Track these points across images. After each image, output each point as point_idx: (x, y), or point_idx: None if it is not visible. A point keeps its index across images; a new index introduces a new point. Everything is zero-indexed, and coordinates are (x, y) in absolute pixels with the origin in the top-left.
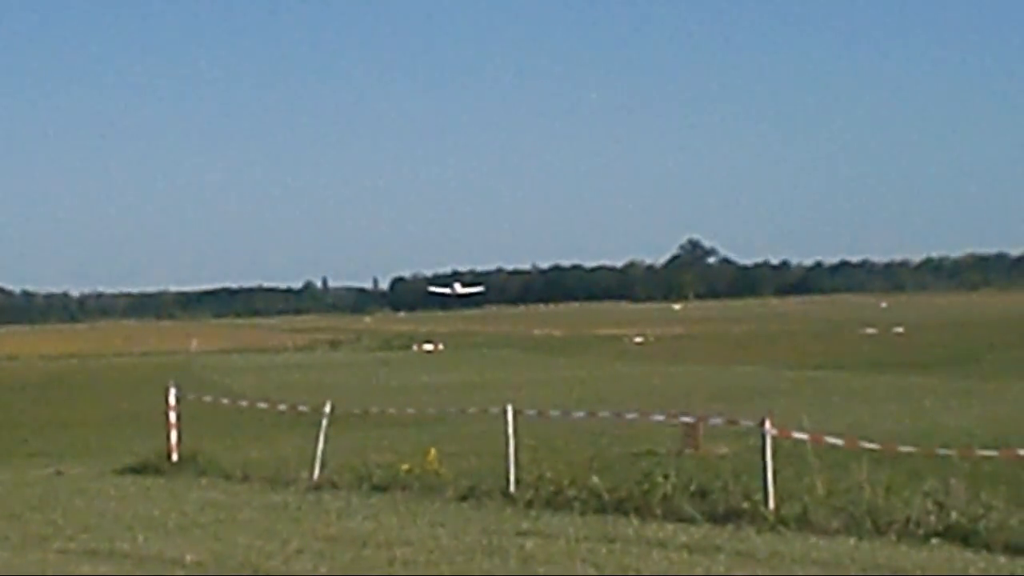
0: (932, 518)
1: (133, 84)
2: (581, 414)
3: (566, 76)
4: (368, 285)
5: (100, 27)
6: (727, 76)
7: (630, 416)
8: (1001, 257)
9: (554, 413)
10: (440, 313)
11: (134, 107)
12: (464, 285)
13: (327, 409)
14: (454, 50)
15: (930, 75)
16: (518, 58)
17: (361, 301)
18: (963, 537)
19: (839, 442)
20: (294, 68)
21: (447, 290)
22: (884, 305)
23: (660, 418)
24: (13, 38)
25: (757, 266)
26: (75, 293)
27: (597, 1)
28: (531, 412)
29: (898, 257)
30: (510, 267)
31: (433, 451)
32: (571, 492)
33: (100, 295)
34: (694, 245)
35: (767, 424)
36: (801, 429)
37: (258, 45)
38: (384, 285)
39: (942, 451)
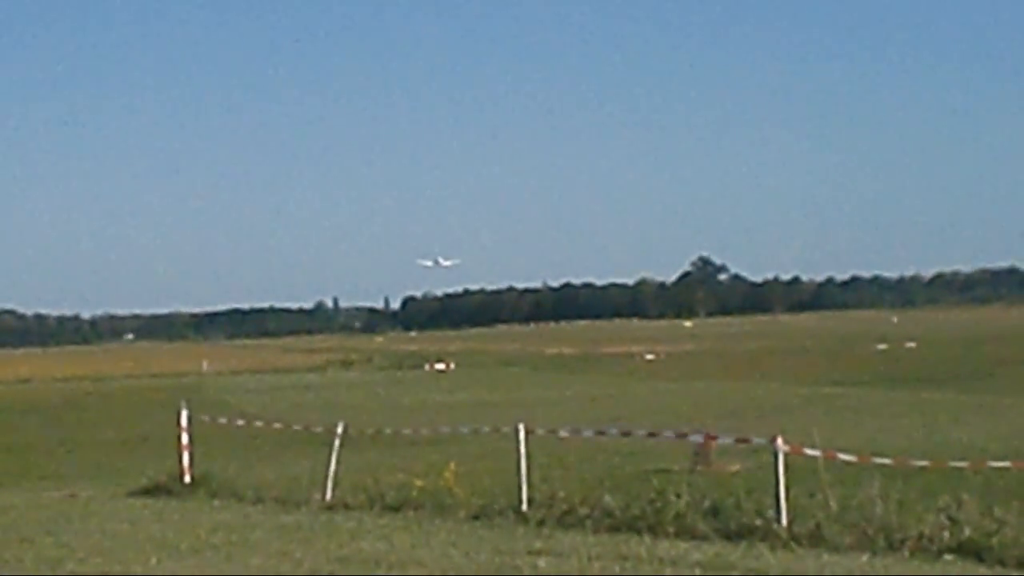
0: (945, 534)
1: (144, 108)
2: (590, 432)
3: (577, 94)
4: (379, 305)
5: (113, 50)
6: (738, 93)
7: (641, 434)
8: (1013, 272)
9: (564, 433)
10: (451, 332)
11: (146, 131)
12: (446, 259)
13: (339, 429)
14: (465, 69)
15: (941, 90)
16: (529, 77)
17: (372, 321)
18: (976, 553)
19: (851, 458)
20: (305, 91)
21: (430, 263)
22: (896, 320)
23: (671, 436)
24: (28, 66)
25: (768, 282)
26: (87, 315)
27: (607, 20)
28: (542, 431)
29: (909, 272)
30: (521, 285)
31: (452, 466)
32: (583, 510)
33: (112, 317)
34: (705, 262)
35: (779, 441)
36: (813, 445)
37: (271, 67)
38: (395, 305)
39: (954, 464)
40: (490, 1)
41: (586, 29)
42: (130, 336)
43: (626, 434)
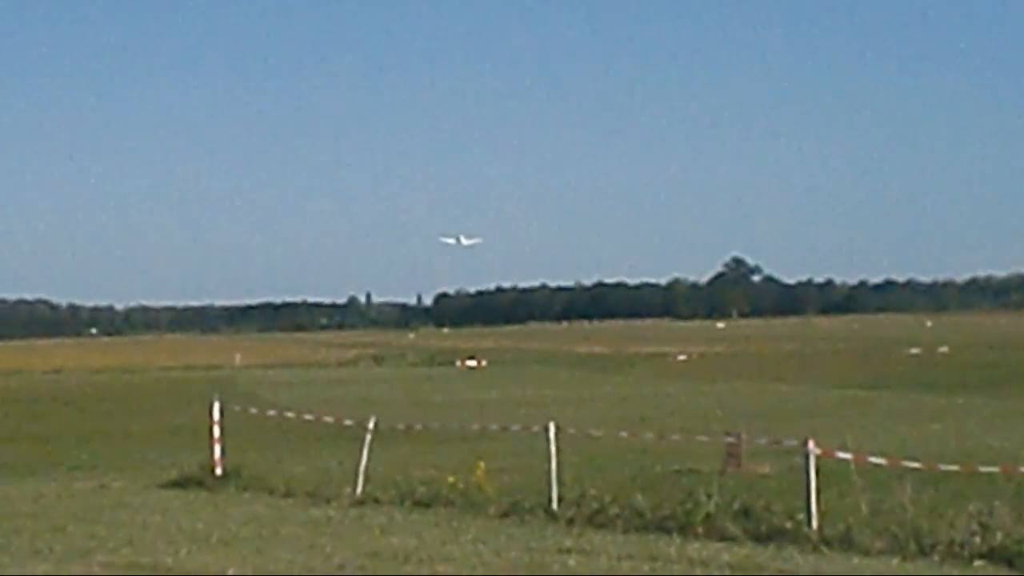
0: (976, 540)
1: (179, 100)
2: (623, 434)
3: (610, 94)
4: (412, 301)
5: (147, 46)
6: (772, 96)
7: (673, 438)
8: None
9: (596, 433)
10: (484, 329)
11: (179, 123)
12: (468, 238)
13: (371, 424)
14: (502, 66)
15: (975, 94)
16: (563, 75)
17: (405, 316)
18: (1008, 559)
19: (882, 461)
20: (340, 85)
21: (452, 240)
22: (929, 324)
23: (704, 439)
24: (63, 58)
25: (801, 285)
26: (120, 307)
27: (641, 20)
28: (573, 430)
29: (943, 276)
30: (554, 284)
31: (482, 464)
32: (613, 510)
33: (145, 309)
34: (738, 263)
35: (810, 444)
36: (844, 448)
37: (306, 62)
38: (428, 301)
39: (985, 469)
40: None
41: (621, 29)
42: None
43: (659, 437)
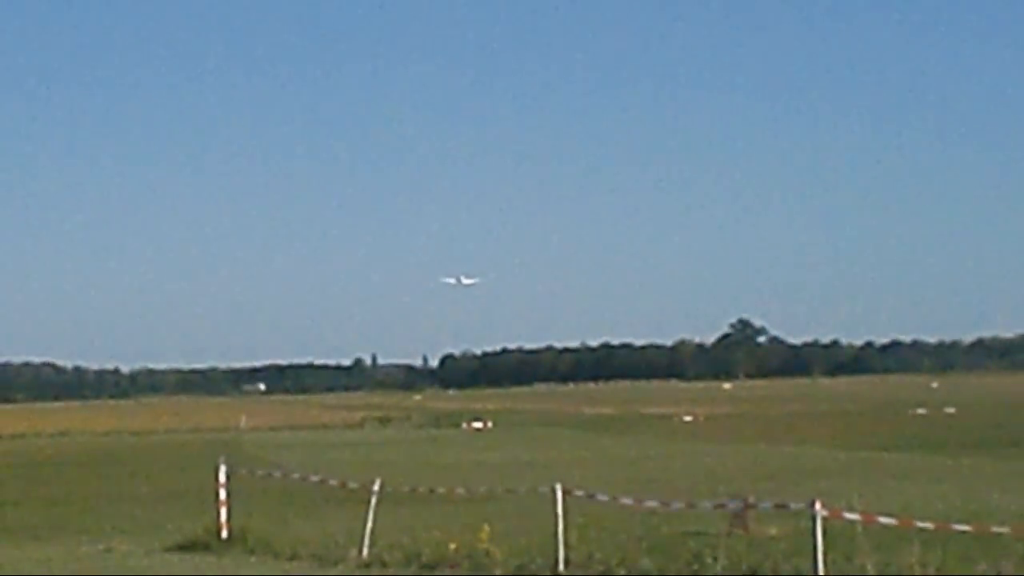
0: None
1: (182, 163)
2: (629, 500)
3: (617, 158)
4: (418, 362)
5: (160, 107)
6: (778, 159)
7: (678, 505)
8: None
9: (602, 497)
10: (490, 390)
11: (186, 186)
12: (467, 278)
13: (376, 486)
14: (500, 131)
15: (981, 156)
16: (566, 140)
17: (411, 378)
18: None
19: (892, 521)
20: (340, 150)
21: (453, 280)
22: (935, 385)
23: (708, 506)
24: (62, 132)
25: (807, 345)
26: (126, 369)
27: (651, 89)
28: (580, 492)
29: (949, 337)
30: (560, 345)
31: (487, 528)
32: (620, 572)
33: (151, 371)
34: (744, 324)
35: (817, 505)
36: (852, 509)
37: (314, 127)
38: (434, 362)
39: (996, 529)
40: (529, 72)
41: (627, 91)
42: (261, 386)
43: (665, 504)
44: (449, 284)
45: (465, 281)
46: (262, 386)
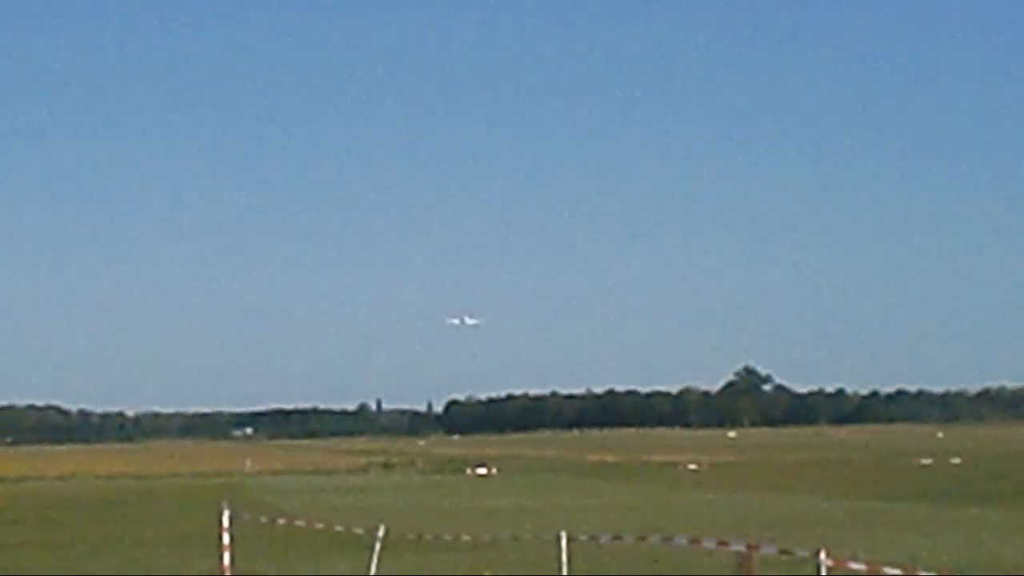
0: None
1: (186, 207)
2: (630, 538)
3: (622, 206)
4: (422, 408)
5: (159, 151)
6: (782, 204)
7: (681, 542)
8: None
9: (605, 538)
10: (494, 437)
11: (189, 230)
12: (471, 318)
13: (380, 532)
14: (508, 172)
15: (987, 206)
16: (569, 187)
17: (415, 424)
18: None
19: (897, 572)
20: (346, 190)
21: (457, 321)
22: (940, 435)
23: (712, 544)
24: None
25: (812, 394)
26: (131, 412)
27: (647, 132)
28: (584, 537)
29: (955, 387)
30: (565, 391)
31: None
32: None
33: (156, 415)
34: (749, 372)
35: (822, 554)
36: (857, 559)
37: (318, 169)
38: (438, 408)
39: None
40: (538, 114)
41: (632, 137)
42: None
43: (667, 539)
44: (453, 325)
45: (469, 321)
46: (249, 430)
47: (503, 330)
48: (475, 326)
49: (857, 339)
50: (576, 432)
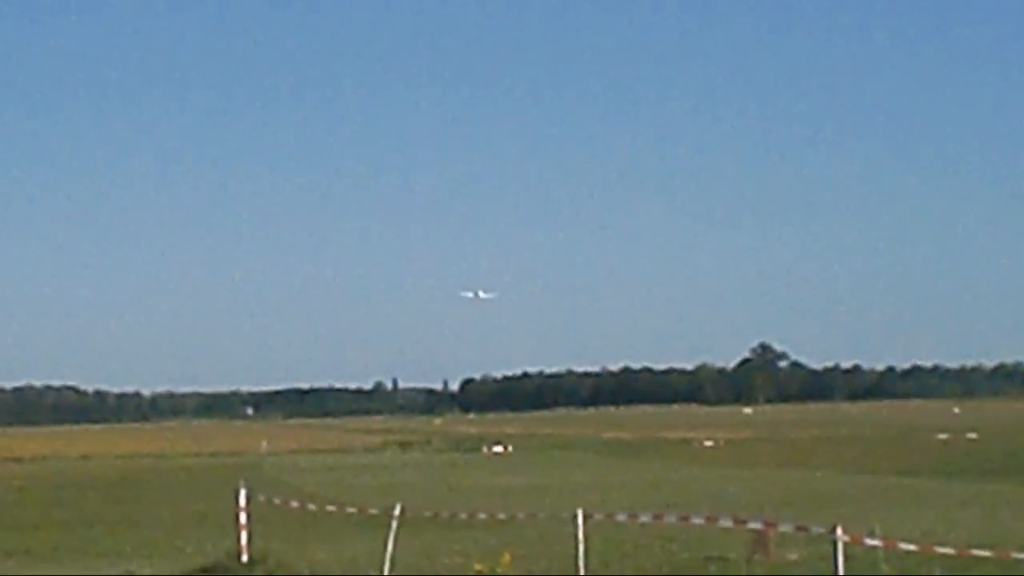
0: None
1: (204, 191)
2: (647, 517)
3: (638, 183)
4: (438, 386)
5: (158, 146)
6: (801, 183)
7: (697, 521)
8: None
9: (621, 517)
10: (510, 415)
11: (206, 211)
12: (485, 292)
13: (397, 511)
14: (524, 149)
15: (1004, 183)
16: (589, 160)
17: (431, 402)
18: None
19: (913, 547)
20: (361, 173)
21: (471, 294)
22: (957, 411)
23: (729, 522)
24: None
25: (828, 370)
26: (147, 392)
27: (665, 110)
28: (600, 516)
29: (971, 362)
30: (580, 369)
31: (508, 556)
32: None
33: (172, 395)
34: (765, 349)
35: (839, 530)
36: (873, 535)
37: (332, 155)
38: (454, 386)
39: (1017, 555)
40: (555, 91)
41: (648, 114)
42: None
43: (684, 518)
44: (467, 298)
45: (483, 295)
46: (250, 410)
47: (518, 308)
48: (489, 300)
49: (873, 315)
50: (592, 409)
